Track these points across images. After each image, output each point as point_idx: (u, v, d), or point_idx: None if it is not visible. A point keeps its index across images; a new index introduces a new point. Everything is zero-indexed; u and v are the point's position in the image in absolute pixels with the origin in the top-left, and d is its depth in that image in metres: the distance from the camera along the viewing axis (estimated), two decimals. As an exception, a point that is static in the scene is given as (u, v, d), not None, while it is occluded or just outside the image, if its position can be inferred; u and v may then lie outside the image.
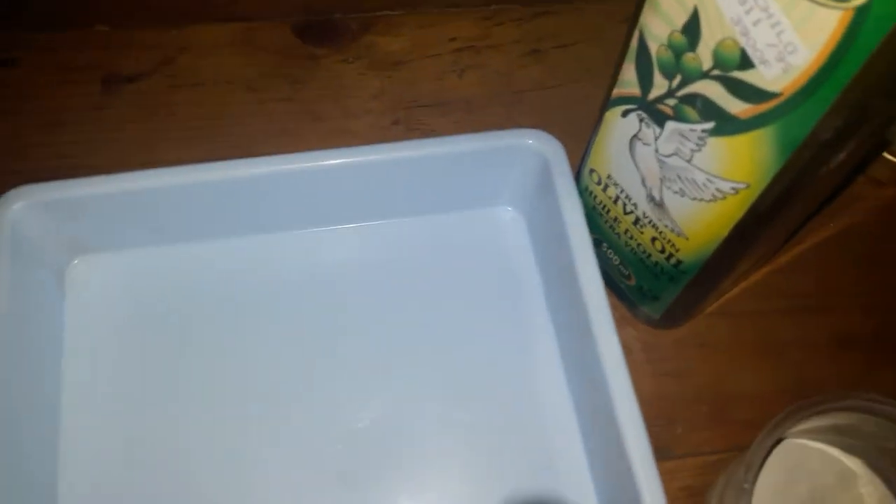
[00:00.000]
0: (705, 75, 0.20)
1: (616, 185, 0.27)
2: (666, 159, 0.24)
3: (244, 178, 0.30)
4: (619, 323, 0.32)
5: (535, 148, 0.31)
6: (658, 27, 0.21)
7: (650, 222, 0.27)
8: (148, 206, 0.31)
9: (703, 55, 0.20)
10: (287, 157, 0.30)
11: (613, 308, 0.32)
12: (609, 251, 0.31)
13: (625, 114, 0.24)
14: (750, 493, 0.23)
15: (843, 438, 0.27)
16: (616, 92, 0.24)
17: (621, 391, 0.26)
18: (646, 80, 0.22)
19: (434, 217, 0.34)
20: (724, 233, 0.24)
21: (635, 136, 0.24)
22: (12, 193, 0.29)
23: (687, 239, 0.25)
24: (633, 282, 0.30)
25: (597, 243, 0.31)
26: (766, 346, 0.32)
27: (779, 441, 0.28)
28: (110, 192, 0.30)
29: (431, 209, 0.34)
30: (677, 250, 0.26)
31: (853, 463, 0.28)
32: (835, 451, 0.28)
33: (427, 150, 0.30)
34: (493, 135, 0.31)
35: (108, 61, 0.38)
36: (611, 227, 0.29)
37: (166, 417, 0.30)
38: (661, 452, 0.30)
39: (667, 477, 0.29)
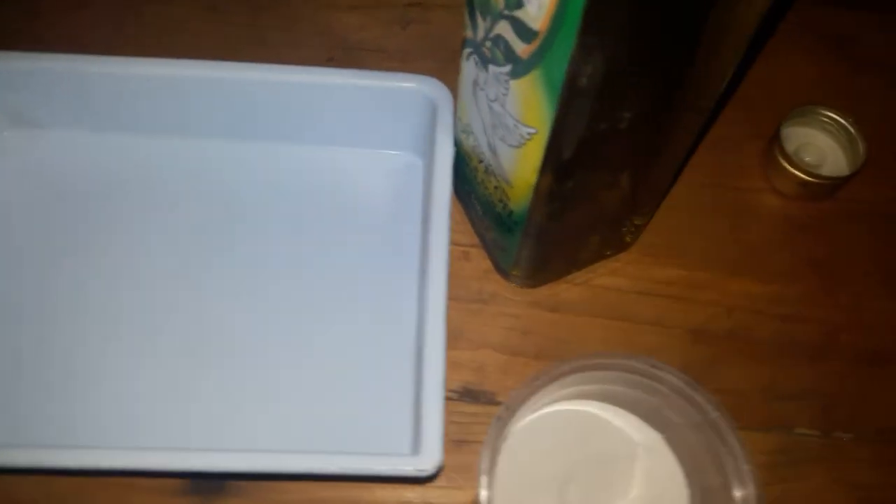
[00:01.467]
0: (501, 15, 0.21)
1: (471, 132, 0.29)
2: (492, 104, 0.25)
3: (156, 76, 0.33)
4: (486, 275, 0.34)
5: (423, 93, 0.32)
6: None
7: (492, 171, 0.28)
8: (78, 89, 0.34)
9: (500, -5, 0.21)
10: (195, 62, 0.33)
11: (483, 260, 0.34)
12: (476, 202, 0.32)
13: (468, 56, 0.26)
14: (505, 421, 0.24)
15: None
16: (464, 35, 0.26)
17: (433, 323, 0.28)
18: (473, 21, 0.24)
19: (336, 150, 0.36)
20: (533, 179, 0.25)
21: (475, 81, 0.26)
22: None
23: (511, 186, 0.27)
24: (491, 234, 0.32)
25: (468, 196, 0.33)
26: (618, 322, 0.33)
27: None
28: (47, 68, 0.33)
29: (334, 141, 0.36)
30: (508, 199, 0.27)
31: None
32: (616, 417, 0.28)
33: (318, 77, 0.33)
34: (387, 75, 0.33)
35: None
36: (474, 176, 0.31)
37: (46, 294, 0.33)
38: (488, 397, 0.31)
39: (486, 419, 0.31)
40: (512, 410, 0.24)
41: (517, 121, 0.23)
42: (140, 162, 0.35)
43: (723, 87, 0.23)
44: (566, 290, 0.34)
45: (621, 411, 0.27)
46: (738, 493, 0.23)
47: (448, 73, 0.38)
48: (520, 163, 0.25)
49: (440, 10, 0.41)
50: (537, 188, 0.25)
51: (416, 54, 0.39)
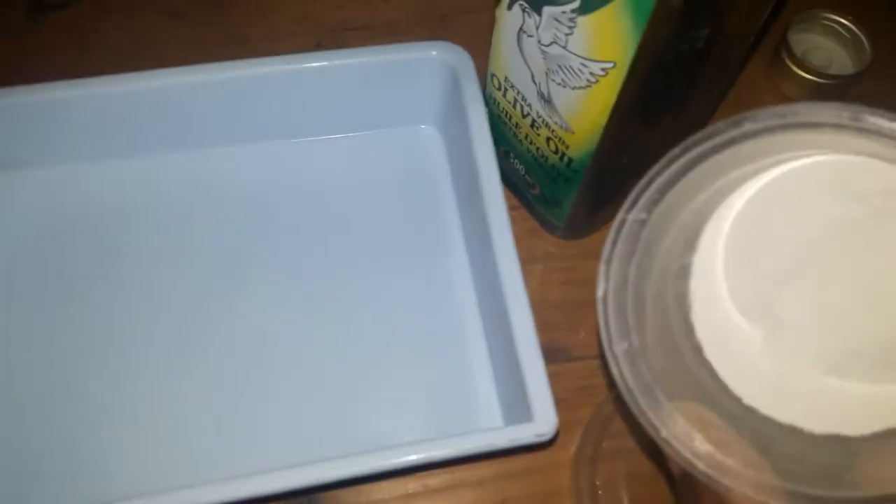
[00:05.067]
0: (566, -50, 0.21)
1: (512, 86, 0.28)
2: (547, 49, 0.24)
3: (150, 89, 0.31)
4: (530, 235, 0.33)
5: (440, 59, 0.31)
6: None
7: (543, 122, 0.27)
8: (61, 118, 0.31)
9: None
10: (193, 67, 0.31)
11: (525, 221, 0.34)
12: (515, 161, 0.31)
13: (510, 5, 0.25)
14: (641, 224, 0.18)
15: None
16: (501, -16, 0.25)
17: (515, 293, 0.27)
18: (521, -35, 0.23)
19: (352, 136, 0.34)
20: (603, 120, 0.24)
21: (521, 28, 0.25)
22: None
23: (573, 133, 0.26)
24: (537, 190, 0.31)
25: (505, 155, 0.32)
26: (671, 256, 0.33)
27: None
28: (16, 102, 0.30)
29: (348, 128, 0.34)
30: (567, 147, 0.27)
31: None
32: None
33: (331, 61, 0.31)
34: (397, 47, 0.31)
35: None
36: (514, 134, 0.30)
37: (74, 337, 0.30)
38: (564, 354, 0.31)
39: (568, 376, 0.30)
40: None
41: (586, 59, 0.23)
42: (145, 183, 0.33)
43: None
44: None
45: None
46: None
47: (445, 38, 0.37)
48: (586, 105, 0.24)
49: (417, -23, 0.40)
50: (607, 127, 0.24)
51: (404, 25, 0.38)
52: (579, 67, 0.23)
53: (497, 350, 0.29)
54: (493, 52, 0.28)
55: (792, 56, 0.35)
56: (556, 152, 0.28)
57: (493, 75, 0.29)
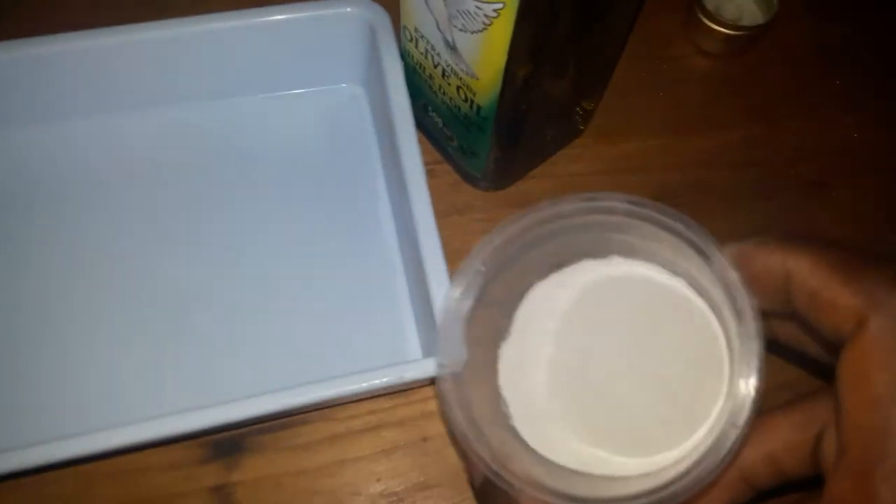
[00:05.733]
0: None
1: (422, 37, 0.28)
2: (446, -5, 0.25)
3: (70, 51, 0.31)
4: (453, 188, 0.34)
5: (357, 15, 0.32)
6: None
7: (452, 70, 0.28)
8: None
9: None
10: (111, 29, 0.31)
11: (448, 175, 0.34)
12: (434, 114, 0.32)
13: (410, -46, 0.25)
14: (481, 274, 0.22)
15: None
16: (400, -67, 0.25)
17: (427, 237, 0.28)
18: (414, -89, 0.24)
19: (277, 95, 0.35)
20: (502, 62, 0.25)
21: (422, -24, 0.26)
22: None
23: (478, 79, 0.27)
24: (455, 142, 0.32)
25: (424, 109, 0.32)
26: (589, 204, 0.34)
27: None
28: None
29: (273, 88, 0.35)
30: (474, 94, 0.28)
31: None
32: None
33: (247, 19, 0.31)
34: (313, 4, 0.32)
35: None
36: (429, 86, 0.31)
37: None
38: (485, 300, 0.32)
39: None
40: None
41: (478, 0, 0.23)
42: (70, 146, 0.33)
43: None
44: (533, 185, 0.34)
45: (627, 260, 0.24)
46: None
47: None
48: (486, 48, 0.25)
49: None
50: (507, 71, 0.25)
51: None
52: (475, 10, 0.24)
53: (416, 292, 0.30)
54: (403, 4, 0.28)
55: (704, 10, 0.36)
56: (465, 101, 0.29)
57: (404, 27, 0.30)
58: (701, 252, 0.21)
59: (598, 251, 0.25)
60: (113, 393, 0.29)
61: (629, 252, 0.24)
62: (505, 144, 0.30)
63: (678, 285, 0.24)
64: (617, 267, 0.24)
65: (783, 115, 0.36)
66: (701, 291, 0.23)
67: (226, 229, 0.32)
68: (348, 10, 0.32)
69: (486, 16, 0.24)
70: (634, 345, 0.24)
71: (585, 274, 0.25)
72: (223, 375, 0.29)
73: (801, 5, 0.39)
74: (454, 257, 0.31)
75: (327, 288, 0.31)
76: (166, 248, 0.32)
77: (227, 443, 0.28)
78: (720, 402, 0.22)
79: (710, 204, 0.34)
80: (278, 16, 0.32)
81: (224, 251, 0.32)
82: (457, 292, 0.23)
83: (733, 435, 0.19)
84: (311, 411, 0.29)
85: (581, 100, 0.32)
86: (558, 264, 0.25)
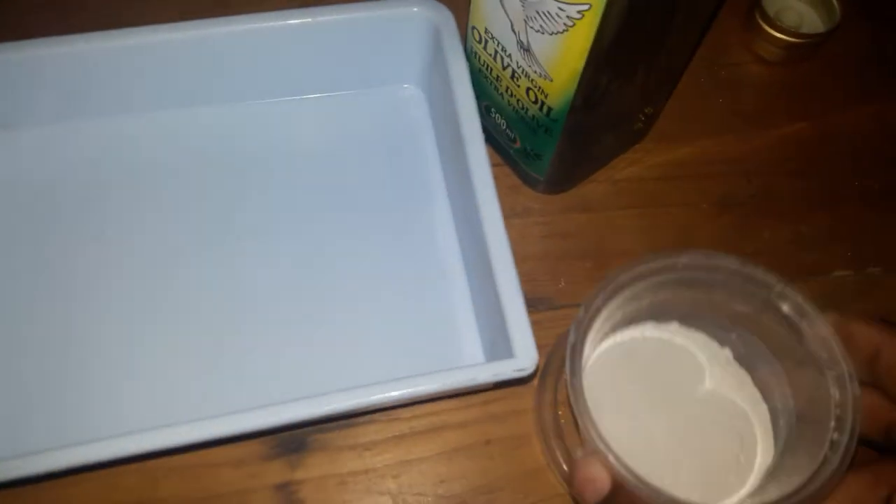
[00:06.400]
0: None
1: (493, 38, 0.28)
2: (525, -4, 0.25)
3: (130, 47, 0.31)
4: (512, 191, 0.34)
5: (422, 15, 0.32)
6: None
7: (523, 71, 0.28)
8: (39, 78, 0.31)
9: None
10: (172, 25, 0.31)
11: (506, 177, 0.34)
12: (496, 115, 0.32)
13: (489, -45, 0.26)
14: (585, 323, 0.23)
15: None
16: (480, -66, 0.25)
17: (498, 244, 0.28)
18: (499, -88, 0.24)
19: (335, 95, 0.35)
20: (580, 65, 0.25)
21: (500, -22, 0.26)
22: None
23: (552, 81, 0.27)
24: (518, 144, 0.32)
25: (487, 110, 0.32)
26: (647, 209, 0.34)
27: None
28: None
29: (331, 87, 0.35)
30: (546, 96, 0.28)
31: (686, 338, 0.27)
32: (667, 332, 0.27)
33: (313, 17, 0.31)
34: (379, 4, 0.32)
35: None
36: (495, 87, 0.31)
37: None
38: (545, 303, 0.32)
39: (549, 324, 0.31)
40: (590, 312, 0.24)
41: (562, 2, 0.23)
42: (127, 142, 0.33)
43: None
44: (592, 189, 0.34)
45: (682, 328, 0.27)
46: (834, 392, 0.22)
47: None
48: (564, 50, 0.25)
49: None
50: (584, 73, 0.25)
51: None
52: (556, 12, 0.24)
53: (480, 297, 0.30)
54: (473, 4, 0.28)
55: (765, 16, 0.36)
56: (535, 102, 0.28)
57: (473, 28, 0.30)
58: (801, 313, 0.23)
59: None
60: (178, 390, 0.29)
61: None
62: (572, 148, 0.30)
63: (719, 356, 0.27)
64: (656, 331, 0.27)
65: (842, 123, 0.36)
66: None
67: (287, 229, 0.32)
68: (414, 9, 0.32)
69: (568, 17, 0.24)
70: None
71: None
72: (287, 375, 0.29)
73: (863, 14, 0.38)
74: (519, 262, 0.31)
75: (384, 288, 0.31)
76: (225, 244, 0.32)
77: (292, 441, 0.28)
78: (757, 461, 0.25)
79: (773, 213, 0.34)
80: (345, 14, 0.32)
81: (286, 252, 0.32)
82: (586, 314, 0.24)
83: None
84: (375, 412, 0.29)
85: (646, 105, 0.32)
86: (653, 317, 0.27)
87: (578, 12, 0.23)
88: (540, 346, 0.30)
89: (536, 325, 0.32)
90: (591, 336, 0.24)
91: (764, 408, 0.26)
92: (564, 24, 0.24)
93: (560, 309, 0.32)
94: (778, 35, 0.35)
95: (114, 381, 0.29)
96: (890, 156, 0.36)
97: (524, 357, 0.26)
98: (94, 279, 0.31)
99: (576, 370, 0.22)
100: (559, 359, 0.29)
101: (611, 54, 0.25)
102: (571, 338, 0.23)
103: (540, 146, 0.30)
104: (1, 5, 0.37)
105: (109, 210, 0.32)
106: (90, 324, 0.30)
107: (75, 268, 0.31)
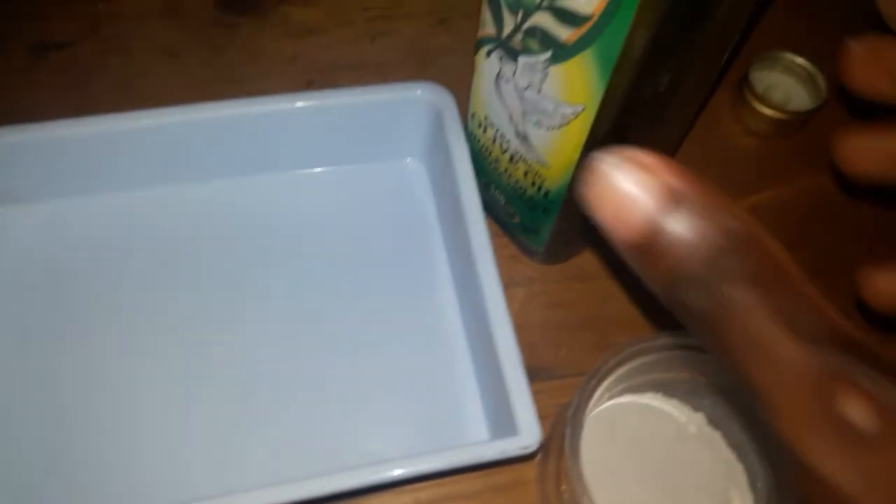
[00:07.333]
0: (539, 7, 0.23)
1: (492, 125, 0.30)
2: (524, 93, 0.26)
3: (145, 127, 0.32)
4: (511, 261, 0.35)
5: (425, 99, 0.33)
6: (501, -32, 0.24)
7: (521, 157, 0.29)
8: (60, 155, 0.33)
9: (536, -11, 0.22)
10: (188, 107, 0.33)
11: (506, 248, 0.36)
12: (496, 192, 0.33)
13: (488, 54, 0.27)
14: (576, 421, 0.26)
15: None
16: (480, 33, 0.27)
17: (498, 314, 0.29)
18: (498, 19, 0.25)
19: (340, 169, 0.36)
20: (576, 156, 0.26)
21: (499, 74, 0.27)
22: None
23: (549, 168, 0.28)
24: (517, 219, 0.33)
25: (486, 186, 0.34)
26: (644, 279, 0.35)
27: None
28: (17, 140, 0.32)
29: (336, 161, 0.36)
30: (543, 180, 0.29)
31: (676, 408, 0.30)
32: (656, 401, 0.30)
33: (324, 100, 0.33)
34: (386, 87, 0.34)
35: (37, 29, 0.40)
36: (494, 168, 0.32)
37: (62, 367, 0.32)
38: (546, 373, 0.33)
39: (550, 394, 0.32)
40: (584, 398, 0.26)
41: (559, 102, 0.25)
42: (140, 216, 0.35)
43: (734, 42, 0.26)
44: (590, 258, 0.35)
45: (658, 395, 0.29)
46: None
47: (430, 76, 0.39)
48: (560, 143, 0.26)
49: (403, 19, 0.42)
50: (580, 162, 0.27)
51: (394, 64, 0.40)
52: (553, 109, 0.25)
53: (483, 370, 0.31)
54: (474, 94, 0.30)
55: (753, 94, 0.37)
56: (533, 185, 0.30)
57: (473, 114, 0.31)
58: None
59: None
60: (165, 473, 0.30)
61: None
62: (569, 225, 0.31)
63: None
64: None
65: (829, 197, 0.38)
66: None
67: (285, 303, 0.33)
68: (419, 93, 0.33)
69: (564, 115, 0.25)
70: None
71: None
72: (289, 449, 0.30)
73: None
74: (519, 331, 0.33)
75: (386, 362, 0.32)
76: (227, 320, 0.33)
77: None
78: None
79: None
80: (351, 98, 0.33)
81: (290, 324, 0.33)
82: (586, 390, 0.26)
83: None
84: (379, 491, 0.30)
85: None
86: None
87: (573, 112, 0.25)
88: (543, 417, 0.31)
89: (537, 395, 0.33)
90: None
91: (740, 468, 0.28)
92: (560, 121, 0.26)
93: (561, 378, 0.33)
94: (766, 112, 0.37)
95: (124, 456, 0.30)
96: (889, 231, 0.37)
97: (528, 434, 0.27)
98: (104, 353, 0.32)
99: (576, 465, 0.24)
100: (560, 433, 0.30)
101: (606, 143, 0.26)
102: (568, 436, 0.25)
103: (538, 223, 0.32)
104: (26, 84, 0.38)
105: (120, 284, 0.33)
106: (98, 395, 0.31)
107: (84, 343, 0.32)
